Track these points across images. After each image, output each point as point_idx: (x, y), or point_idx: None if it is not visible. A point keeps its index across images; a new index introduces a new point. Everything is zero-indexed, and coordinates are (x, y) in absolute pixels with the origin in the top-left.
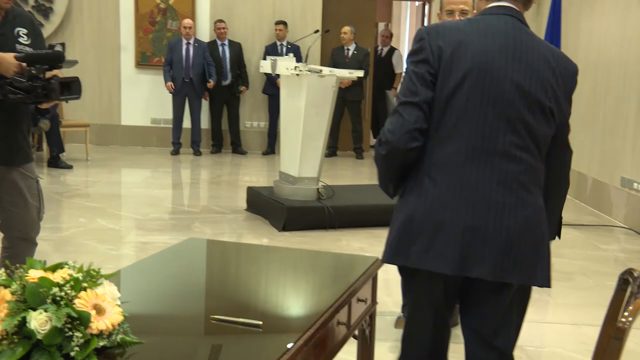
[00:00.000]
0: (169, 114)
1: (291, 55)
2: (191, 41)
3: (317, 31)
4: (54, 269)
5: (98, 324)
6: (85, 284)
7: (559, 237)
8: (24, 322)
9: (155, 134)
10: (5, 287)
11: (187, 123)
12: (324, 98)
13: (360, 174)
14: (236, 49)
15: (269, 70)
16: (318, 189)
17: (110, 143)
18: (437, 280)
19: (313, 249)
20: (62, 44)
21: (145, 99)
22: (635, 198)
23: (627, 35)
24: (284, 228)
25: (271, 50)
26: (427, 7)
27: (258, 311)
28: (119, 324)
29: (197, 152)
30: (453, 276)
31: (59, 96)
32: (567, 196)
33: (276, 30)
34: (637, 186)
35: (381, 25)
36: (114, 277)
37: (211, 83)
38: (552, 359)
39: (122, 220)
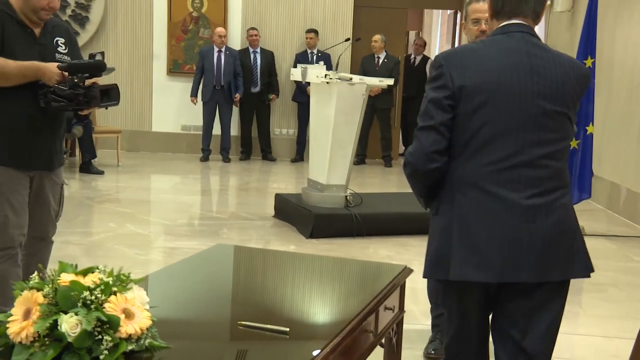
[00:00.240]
0: (198, 121)
1: (321, 63)
2: (223, 49)
3: (348, 39)
4: (84, 273)
5: (127, 328)
6: (115, 288)
7: None
8: (55, 324)
9: (185, 141)
10: (38, 290)
11: (216, 130)
12: (353, 106)
13: (388, 182)
14: (268, 57)
15: (299, 78)
16: (346, 196)
17: (140, 149)
18: (479, 290)
19: (340, 256)
20: (102, 53)
21: (176, 106)
22: None
23: None
24: (312, 235)
25: (301, 58)
26: (458, 15)
27: (285, 318)
28: (147, 329)
29: (226, 159)
30: (492, 284)
31: (100, 103)
32: (599, 206)
33: (307, 38)
34: None
35: (412, 34)
36: (143, 282)
37: (237, 97)
38: None
39: (151, 225)
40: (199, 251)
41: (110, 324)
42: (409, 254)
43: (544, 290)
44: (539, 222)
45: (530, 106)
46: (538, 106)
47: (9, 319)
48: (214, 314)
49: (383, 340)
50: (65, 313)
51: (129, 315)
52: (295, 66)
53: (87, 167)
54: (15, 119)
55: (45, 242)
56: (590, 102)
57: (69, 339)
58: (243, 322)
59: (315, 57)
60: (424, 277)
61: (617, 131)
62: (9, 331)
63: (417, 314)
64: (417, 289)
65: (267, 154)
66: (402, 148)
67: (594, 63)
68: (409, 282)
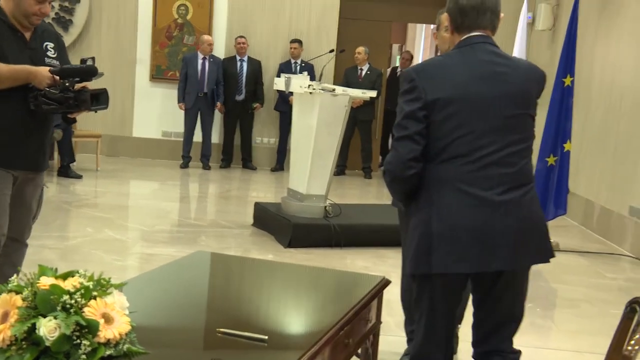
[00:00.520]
0: (180, 127)
1: (305, 73)
2: (207, 56)
3: (332, 51)
4: (64, 276)
5: (106, 332)
6: (95, 293)
7: None
8: (33, 328)
9: (165, 147)
10: (17, 293)
11: (197, 137)
12: (335, 117)
13: (367, 194)
14: (255, 65)
15: (282, 88)
16: (325, 206)
17: (120, 154)
18: (457, 281)
19: (318, 266)
20: (93, 58)
21: (157, 111)
22: None
23: None
24: (290, 245)
25: (285, 68)
26: None
27: (263, 326)
28: (126, 334)
29: (206, 166)
30: (469, 274)
31: (90, 106)
32: (574, 222)
33: (291, 48)
34: None
35: (395, 47)
36: (122, 287)
37: (219, 106)
38: None
39: (129, 231)
40: (176, 258)
41: (89, 328)
42: (386, 265)
43: (515, 273)
44: (510, 216)
45: (499, 111)
46: (505, 110)
47: None
48: (192, 321)
49: (359, 351)
50: (44, 317)
51: (108, 320)
52: (278, 75)
53: (66, 171)
54: (5, 120)
55: (20, 243)
56: (569, 120)
57: (47, 343)
58: (222, 330)
59: (298, 67)
60: (410, 272)
61: (593, 149)
62: None
63: (392, 326)
64: (392, 300)
65: (248, 163)
66: (381, 160)
67: (572, 81)
68: (384, 293)
